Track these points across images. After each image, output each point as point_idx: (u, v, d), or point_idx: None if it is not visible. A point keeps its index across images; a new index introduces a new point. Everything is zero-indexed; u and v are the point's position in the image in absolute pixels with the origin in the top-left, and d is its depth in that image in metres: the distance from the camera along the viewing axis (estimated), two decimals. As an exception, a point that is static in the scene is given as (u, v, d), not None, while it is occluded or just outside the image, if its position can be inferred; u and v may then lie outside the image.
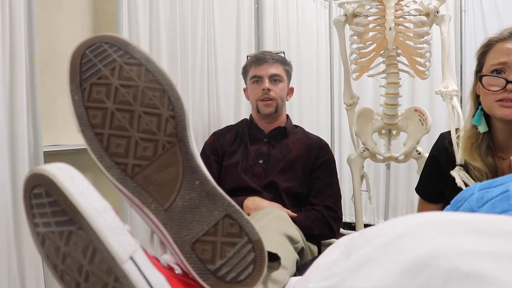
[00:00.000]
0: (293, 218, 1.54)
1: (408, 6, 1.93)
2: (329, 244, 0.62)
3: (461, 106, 1.77)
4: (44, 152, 1.46)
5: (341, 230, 2.77)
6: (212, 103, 2.18)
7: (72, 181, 0.54)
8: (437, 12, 1.88)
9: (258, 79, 1.82)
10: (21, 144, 1.38)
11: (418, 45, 1.89)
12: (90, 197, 0.54)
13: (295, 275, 1.22)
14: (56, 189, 0.53)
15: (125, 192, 0.60)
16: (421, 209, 1.50)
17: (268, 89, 1.78)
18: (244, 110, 2.29)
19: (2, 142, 1.33)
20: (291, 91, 1.92)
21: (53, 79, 1.67)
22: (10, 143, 1.36)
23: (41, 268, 1.42)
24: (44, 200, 0.53)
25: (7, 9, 1.34)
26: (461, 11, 2.75)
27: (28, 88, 1.41)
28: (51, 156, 1.54)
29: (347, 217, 3.12)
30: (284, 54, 1.94)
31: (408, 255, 0.45)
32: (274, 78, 1.81)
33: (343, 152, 3.15)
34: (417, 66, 1.92)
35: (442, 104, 1.98)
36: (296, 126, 1.93)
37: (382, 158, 2.10)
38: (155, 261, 0.58)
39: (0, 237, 1.32)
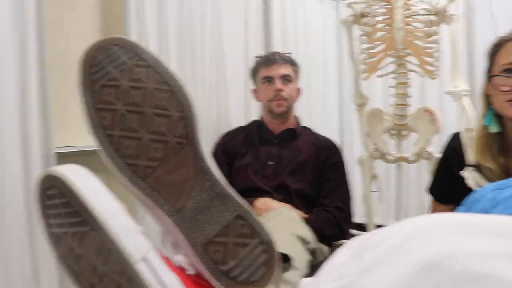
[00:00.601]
0: (304, 219, 1.54)
1: (416, 6, 1.91)
2: (341, 245, 0.62)
3: (472, 106, 1.75)
4: (56, 153, 1.47)
5: (352, 231, 2.76)
6: (222, 104, 2.17)
7: (84, 183, 0.54)
8: (446, 11, 1.87)
9: (269, 79, 1.82)
10: (33, 145, 1.38)
11: (427, 45, 1.88)
12: (103, 198, 0.55)
13: (307, 276, 1.22)
14: (69, 190, 0.53)
15: (137, 193, 0.60)
16: (433, 210, 1.48)
17: (280, 90, 1.78)
18: (254, 111, 2.28)
19: (14, 143, 1.34)
20: (298, 91, 1.92)
21: (65, 80, 1.68)
22: (22, 144, 1.37)
23: (55, 269, 1.42)
24: (57, 201, 0.53)
25: (17, 11, 1.35)
26: (470, 10, 2.72)
27: (40, 89, 1.43)
28: (63, 158, 1.54)
29: (358, 218, 3.11)
30: (291, 54, 1.94)
31: (417, 256, 0.45)
32: (285, 78, 1.81)
33: (353, 153, 3.13)
34: (426, 66, 1.90)
35: (453, 104, 1.96)
36: (305, 128, 1.93)
37: (392, 158, 2.09)
38: (168, 261, 0.58)
39: (13, 238, 1.33)
